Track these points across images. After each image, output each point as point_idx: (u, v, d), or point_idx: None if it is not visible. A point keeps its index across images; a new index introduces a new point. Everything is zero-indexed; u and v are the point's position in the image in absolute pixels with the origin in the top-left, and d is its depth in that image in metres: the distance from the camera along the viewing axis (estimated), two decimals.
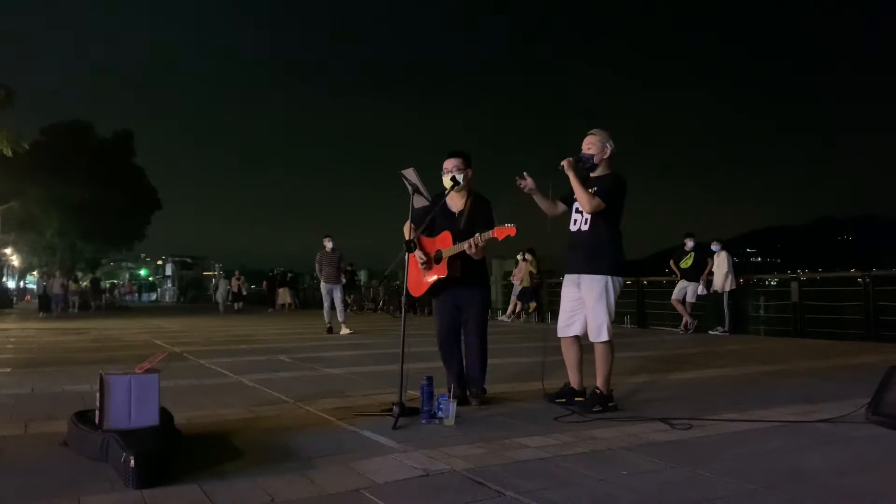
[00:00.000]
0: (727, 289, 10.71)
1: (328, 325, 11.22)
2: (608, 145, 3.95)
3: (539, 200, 4.05)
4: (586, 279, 3.92)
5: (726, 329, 10.62)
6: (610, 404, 3.85)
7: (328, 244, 11.17)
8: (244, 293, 25.99)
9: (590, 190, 3.84)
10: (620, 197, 3.93)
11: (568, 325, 4.03)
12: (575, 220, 4.02)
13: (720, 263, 10.82)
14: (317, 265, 11.32)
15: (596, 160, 3.94)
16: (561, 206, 4.10)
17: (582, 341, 4.06)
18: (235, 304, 24.05)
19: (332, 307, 11.23)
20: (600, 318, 3.85)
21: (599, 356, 3.90)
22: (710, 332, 10.56)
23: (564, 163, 3.88)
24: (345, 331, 10.76)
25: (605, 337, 3.85)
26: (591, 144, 3.95)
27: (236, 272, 25.51)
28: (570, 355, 4.07)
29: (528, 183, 3.98)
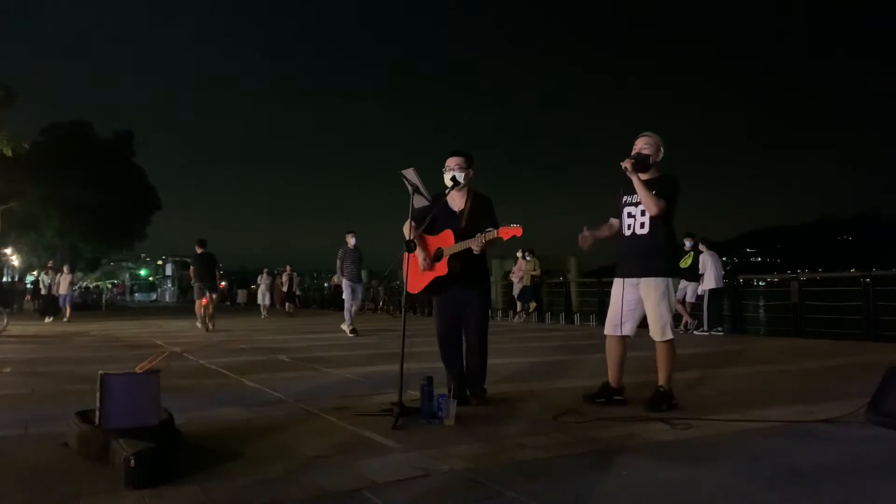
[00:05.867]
0: (706, 287, 10.74)
1: (351, 327, 10.71)
2: (661, 148, 3.99)
3: (601, 237, 4.10)
4: (647, 282, 3.93)
5: (705, 328, 10.66)
6: (673, 402, 3.89)
7: (351, 241, 10.72)
8: (297, 293, 22.76)
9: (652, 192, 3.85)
10: (678, 199, 3.95)
11: (619, 324, 4.05)
12: (629, 225, 4.01)
13: (703, 263, 10.86)
14: (338, 262, 10.82)
15: (651, 161, 3.96)
16: (615, 223, 4.12)
17: (628, 341, 4.11)
18: (287, 306, 20.55)
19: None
20: (665, 317, 3.90)
21: (663, 355, 3.95)
22: (711, 333, 10.56)
23: (626, 164, 3.87)
24: (346, 329, 10.57)
25: (669, 336, 3.91)
26: (647, 145, 3.97)
27: (288, 267, 21.71)
28: (615, 354, 4.09)
29: (587, 237, 4.04)
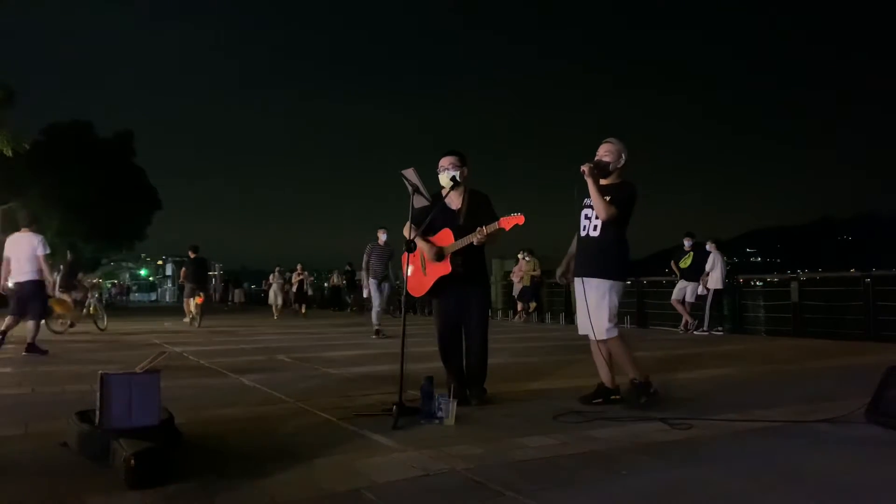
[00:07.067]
0: (711, 287, 10.75)
1: (376, 328, 10.10)
2: (623, 155, 4.03)
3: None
4: (591, 282, 3.99)
5: (705, 328, 10.67)
6: (651, 391, 3.92)
7: (382, 237, 10.21)
8: (310, 293, 21.34)
9: (606, 198, 3.90)
10: (632, 206, 4.01)
11: (584, 324, 4.07)
12: (584, 227, 4.09)
13: (711, 262, 10.87)
14: (364, 257, 10.27)
15: (611, 168, 4.02)
16: None
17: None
18: (298, 307, 19.44)
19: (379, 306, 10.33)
20: (602, 319, 3.92)
21: (615, 353, 3.99)
22: (711, 333, 10.57)
23: (584, 168, 3.93)
24: (372, 335, 9.99)
25: (605, 336, 3.94)
26: (608, 152, 4.04)
27: (299, 266, 20.50)
28: (597, 353, 4.11)
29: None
